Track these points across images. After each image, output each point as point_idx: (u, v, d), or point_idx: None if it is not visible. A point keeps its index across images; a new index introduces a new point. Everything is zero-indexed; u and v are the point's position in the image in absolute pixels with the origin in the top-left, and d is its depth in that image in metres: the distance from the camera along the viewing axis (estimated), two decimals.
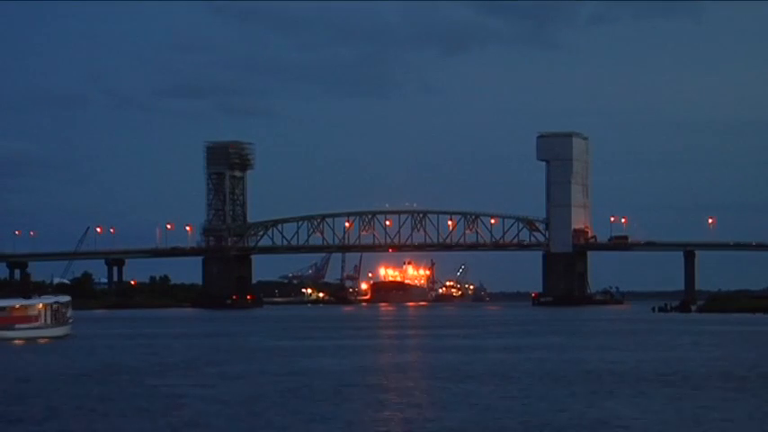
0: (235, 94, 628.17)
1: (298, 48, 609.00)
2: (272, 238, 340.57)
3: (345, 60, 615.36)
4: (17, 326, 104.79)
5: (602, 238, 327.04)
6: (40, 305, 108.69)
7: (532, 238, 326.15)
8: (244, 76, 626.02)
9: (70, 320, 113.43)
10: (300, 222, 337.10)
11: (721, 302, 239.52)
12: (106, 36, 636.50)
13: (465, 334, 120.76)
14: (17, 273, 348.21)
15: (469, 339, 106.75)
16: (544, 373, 61.72)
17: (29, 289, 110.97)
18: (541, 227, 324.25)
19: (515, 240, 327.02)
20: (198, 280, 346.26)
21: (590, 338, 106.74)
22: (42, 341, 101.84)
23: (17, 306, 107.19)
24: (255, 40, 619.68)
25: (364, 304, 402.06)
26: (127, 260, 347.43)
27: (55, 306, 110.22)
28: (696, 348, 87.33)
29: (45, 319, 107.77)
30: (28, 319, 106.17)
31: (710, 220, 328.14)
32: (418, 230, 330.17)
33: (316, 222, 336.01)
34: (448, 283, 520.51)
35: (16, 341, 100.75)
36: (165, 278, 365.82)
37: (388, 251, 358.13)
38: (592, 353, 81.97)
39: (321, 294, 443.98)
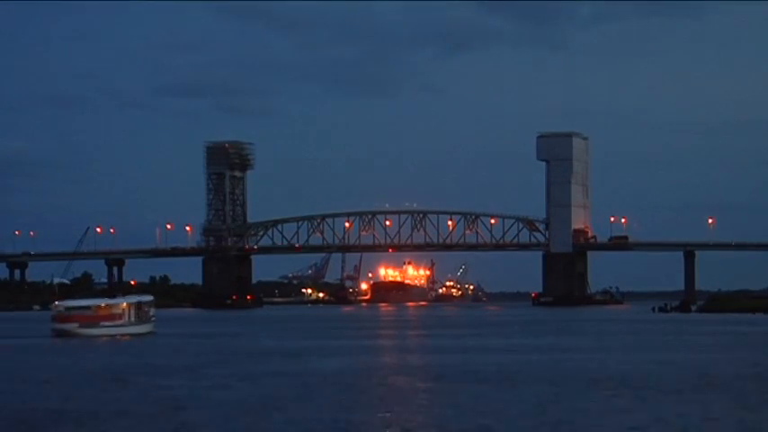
0: (235, 94, 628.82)
1: (298, 47, 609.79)
2: (272, 238, 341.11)
3: (345, 60, 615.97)
4: (102, 324, 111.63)
5: (602, 238, 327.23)
6: (125, 304, 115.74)
7: (532, 238, 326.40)
8: (244, 75, 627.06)
9: (153, 319, 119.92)
10: (300, 222, 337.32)
11: (721, 302, 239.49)
12: (106, 35, 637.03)
13: (473, 334, 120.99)
14: (17, 273, 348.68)
15: (478, 339, 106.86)
16: (568, 376, 61.10)
17: (114, 289, 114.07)
18: (541, 227, 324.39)
19: (515, 240, 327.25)
20: (198, 280, 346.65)
21: (602, 339, 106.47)
22: (125, 338, 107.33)
23: (102, 305, 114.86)
24: (255, 40, 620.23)
25: (364, 304, 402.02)
26: (127, 260, 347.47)
27: (138, 305, 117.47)
28: (718, 350, 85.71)
29: (129, 318, 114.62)
30: (112, 317, 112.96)
31: (710, 220, 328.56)
32: (418, 230, 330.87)
33: (316, 222, 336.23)
34: (448, 283, 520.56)
35: (102, 338, 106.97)
36: (165, 278, 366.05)
37: (388, 251, 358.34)
38: (607, 354, 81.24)
39: (321, 294, 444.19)
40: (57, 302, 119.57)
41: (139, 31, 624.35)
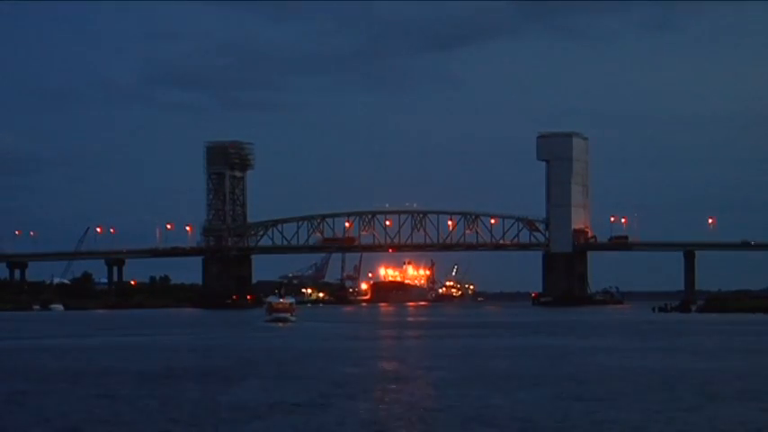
0: (235, 89, 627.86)
1: (297, 39, 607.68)
2: (272, 238, 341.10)
3: (345, 55, 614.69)
4: (292, 314, 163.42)
5: (602, 238, 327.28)
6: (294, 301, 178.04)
7: (532, 238, 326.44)
8: (244, 70, 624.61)
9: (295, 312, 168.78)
10: (300, 222, 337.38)
11: (721, 302, 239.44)
12: (106, 32, 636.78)
13: (486, 334, 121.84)
14: (17, 273, 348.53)
15: (497, 339, 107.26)
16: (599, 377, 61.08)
17: (281, 291, 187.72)
18: (541, 227, 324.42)
19: (515, 240, 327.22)
20: (198, 280, 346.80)
21: (627, 339, 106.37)
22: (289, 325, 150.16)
23: (293, 301, 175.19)
24: (255, 34, 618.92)
25: (364, 304, 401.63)
26: (127, 260, 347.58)
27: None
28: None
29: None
30: (294, 309, 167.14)
31: (710, 220, 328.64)
32: (418, 230, 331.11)
33: (316, 222, 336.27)
34: (448, 283, 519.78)
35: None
36: (166, 278, 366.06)
37: (388, 251, 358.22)
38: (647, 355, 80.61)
39: (321, 294, 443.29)
40: (272, 299, 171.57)
41: (137, 24, 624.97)
